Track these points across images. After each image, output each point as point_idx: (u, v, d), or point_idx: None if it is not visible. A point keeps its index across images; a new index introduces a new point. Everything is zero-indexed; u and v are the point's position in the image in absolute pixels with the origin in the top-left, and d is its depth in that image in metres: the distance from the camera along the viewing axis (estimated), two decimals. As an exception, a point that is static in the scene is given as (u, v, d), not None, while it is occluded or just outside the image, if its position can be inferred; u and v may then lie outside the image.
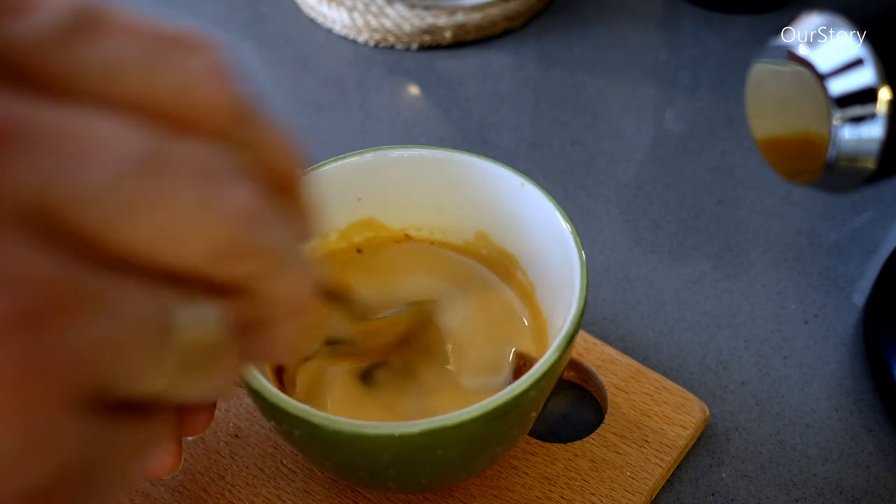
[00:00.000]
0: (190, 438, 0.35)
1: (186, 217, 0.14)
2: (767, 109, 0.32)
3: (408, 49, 0.63)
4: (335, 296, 0.31)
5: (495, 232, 0.38)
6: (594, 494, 0.35)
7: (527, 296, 0.37)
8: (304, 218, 0.18)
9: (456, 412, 0.27)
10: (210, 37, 0.16)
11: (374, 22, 0.62)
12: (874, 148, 0.29)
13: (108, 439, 0.14)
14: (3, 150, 0.12)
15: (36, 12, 0.14)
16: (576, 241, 0.33)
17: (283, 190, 0.17)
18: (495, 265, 0.39)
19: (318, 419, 0.27)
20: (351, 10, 0.63)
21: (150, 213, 0.14)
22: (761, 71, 0.31)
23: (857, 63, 0.28)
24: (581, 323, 0.31)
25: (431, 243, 0.40)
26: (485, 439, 0.29)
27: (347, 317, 0.32)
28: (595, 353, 0.40)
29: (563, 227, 0.33)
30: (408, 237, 0.39)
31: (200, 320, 0.15)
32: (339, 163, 0.36)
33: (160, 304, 0.14)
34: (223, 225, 0.14)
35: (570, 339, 0.29)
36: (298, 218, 0.18)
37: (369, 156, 0.37)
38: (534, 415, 0.31)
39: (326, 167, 0.36)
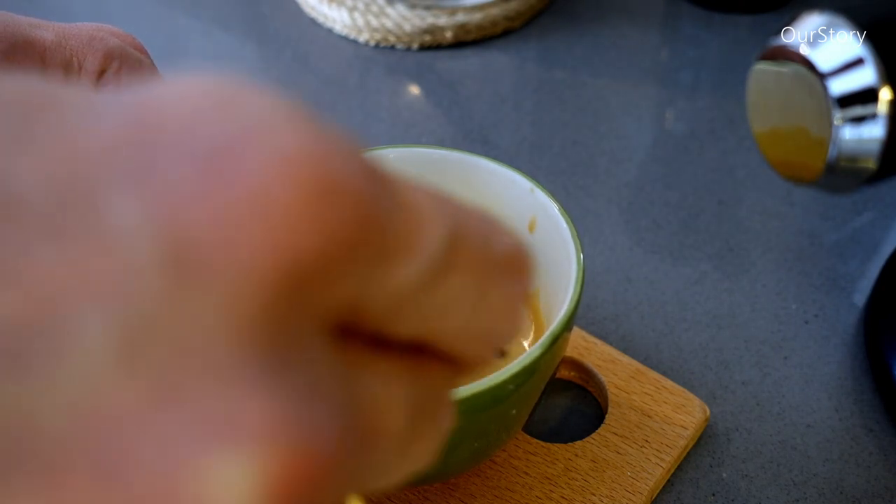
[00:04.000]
0: None
1: (415, 463, 0.15)
2: (768, 109, 0.32)
3: (408, 49, 0.62)
4: None
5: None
6: (595, 494, 0.35)
7: (529, 297, 0.37)
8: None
9: None
10: (525, 248, 0.16)
11: (374, 22, 0.62)
12: (875, 148, 0.29)
13: None
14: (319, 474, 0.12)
15: (413, 258, 0.13)
16: (576, 245, 0.33)
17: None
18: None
19: None
20: (351, 10, 0.63)
21: (392, 471, 0.15)
22: (762, 71, 0.31)
23: (857, 63, 0.28)
24: (571, 324, 0.31)
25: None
26: (459, 429, 0.29)
27: None
28: (596, 353, 0.40)
29: (565, 229, 0.33)
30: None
31: None
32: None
33: None
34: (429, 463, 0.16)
35: (555, 338, 0.29)
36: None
37: (388, 152, 0.37)
38: (515, 412, 0.31)
39: None
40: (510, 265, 0.16)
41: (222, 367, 0.11)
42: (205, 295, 0.11)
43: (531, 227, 0.36)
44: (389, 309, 0.13)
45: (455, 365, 0.16)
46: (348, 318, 0.13)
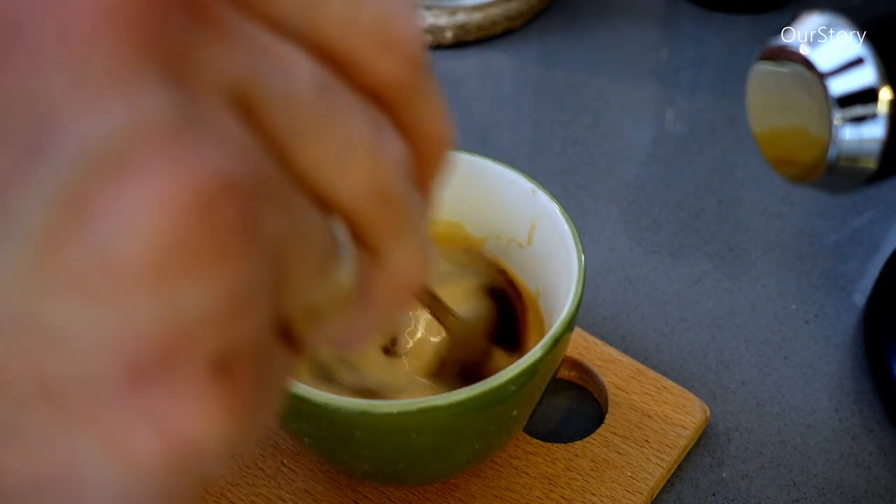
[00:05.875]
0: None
1: (357, 149, 0.14)
2: (768, 109, 0.32)
3: (408, 49, 0.63)
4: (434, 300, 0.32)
5: (503, 233, 0.38)
6: (595, 494, 0.35)
7: (530, 298, 0.37)
8: (428, 203, 0.17)
9: (430, 396, 0.27)
10: None
11: (374, 22, 0.62)
12: (875, 148, 0.29)
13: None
14: (210, 29, 0.12)
15: None
16: (577, 246, 0.33)
17: (420, 172, 0.16)
18: (500, 266, 0.39)
19: (296, 389, 0.28)
20: (351, 10, 0.63)
21: (330, 135, 0.14)
22: (762, 71, 0.31)
23: (857, 63, 0.28)
24: (573, 325, 0.31)
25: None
26: (460, 429, 0.29)
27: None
28: (596, 353, 0.40)
29: (566, 231, 0.33)
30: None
31: (347, 258, 0.15)
32: None
33: (327, 226, 0.14)
34: (385, 167, 0.14)
35: (556, 339, 0.29)
36: (424, 202, 0.17)
37: None
38: (516, 413, 0.31)
39: None
40: None
41: None
42: None
43: (532, 229, 0.36)
44: None
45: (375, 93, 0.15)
46: None
